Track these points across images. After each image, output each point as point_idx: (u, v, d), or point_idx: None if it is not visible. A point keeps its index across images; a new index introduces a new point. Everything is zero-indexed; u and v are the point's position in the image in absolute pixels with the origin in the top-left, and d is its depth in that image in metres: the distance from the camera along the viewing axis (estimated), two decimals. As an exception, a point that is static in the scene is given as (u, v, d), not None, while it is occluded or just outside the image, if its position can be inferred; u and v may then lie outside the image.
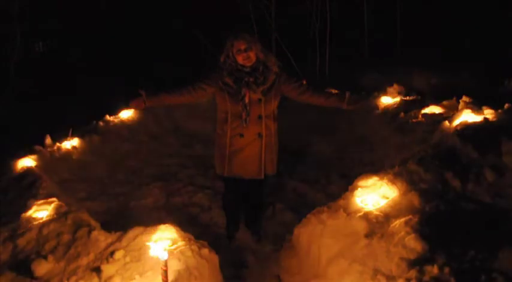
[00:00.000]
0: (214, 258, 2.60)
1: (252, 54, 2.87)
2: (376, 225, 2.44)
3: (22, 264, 2.54)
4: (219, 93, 3.00)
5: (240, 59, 2.88)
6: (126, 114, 6.15)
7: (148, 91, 2.98)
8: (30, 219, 3.01)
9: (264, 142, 3.02)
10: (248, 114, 2.93)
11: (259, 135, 3.00)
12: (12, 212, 3.15)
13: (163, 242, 2.54)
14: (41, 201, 3.22)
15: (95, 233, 2.72)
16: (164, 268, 2.14)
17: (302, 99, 3.09)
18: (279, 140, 3.17)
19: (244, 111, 2.93)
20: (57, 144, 4.76)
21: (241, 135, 2.98)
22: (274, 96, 3.00)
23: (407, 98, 5.79)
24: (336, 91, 6.84)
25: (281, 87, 3.01)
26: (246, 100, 2.91)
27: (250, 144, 3.01)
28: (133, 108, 2.90)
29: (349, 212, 2.62)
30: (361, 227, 2.47)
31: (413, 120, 4.82)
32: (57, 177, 4.21)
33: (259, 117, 2.97)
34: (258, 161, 3.03)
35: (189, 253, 2.43)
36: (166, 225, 2.66)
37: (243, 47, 2.84)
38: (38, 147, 4.52)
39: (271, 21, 9.53)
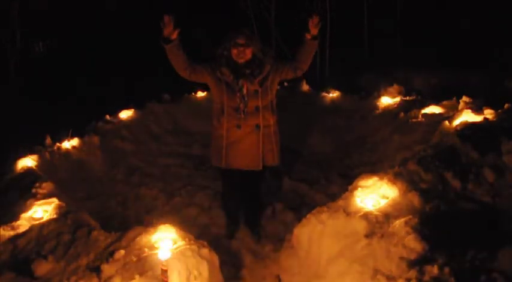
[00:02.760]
0: (214, 258, 2.60)
1: (248, 52, 2.89)
2: (376, 225, 2.44)
3: (22, 264, 2.53)
4: (216, 85, 3.00)
5: (234, 53, 2.89)
6: (126, 114, 6.15)
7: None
8: (30, 219, 3.01)
9: (262, 133, 3.02)
10: (246, 106, 2.93)
11: (257, 126, 3.00)
12: (12, 212, 3.15)
13: (163, 242, 2.54)
14: (41, 201, 3.22)
15: (95, 233, 2.72)
16: (164, 268, 2.14)
17: (299, 72, 3.09)
18: (280, 131, 3.17)
19: (242, 103, 2.93)
20: (57, 144, 4.76)
21: (238, 127, 2.98)
22: (271, 86, 3.01)
23: (407, 98, 5.80)
24: (335, 91, 6.85)
25: (277, 76, 3.03)
26: (244, 91, 2.91)
27: (248, 136, 3.00)
28: (165, 21, 2.76)
29: (349, 212, 2.62)
30: (361, 227, 2.47)
31: (413, 120, 4.82)
32: (57, 177, 4.21)
33: (257, 108, 2.97)
34: (256, 152, 3.03)
35: (189, 253, 2.43)
36: (166, 225, 2.66)
37: (240, 42, 2.86)
38: (38, 147, 4.52)
39: (271, 21, 9.53)
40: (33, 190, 3.45)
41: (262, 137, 3.03)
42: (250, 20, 9.83)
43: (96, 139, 5.19)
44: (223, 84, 2.95)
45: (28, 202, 3.23)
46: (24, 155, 4.27)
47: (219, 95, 3.01)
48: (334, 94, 6.76)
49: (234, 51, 2.89)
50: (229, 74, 2.92)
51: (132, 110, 6.26)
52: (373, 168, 3.97)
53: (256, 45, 2.93)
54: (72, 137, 4.99)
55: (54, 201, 3.22)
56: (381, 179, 2.88)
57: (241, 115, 2.95)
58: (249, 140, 3.01)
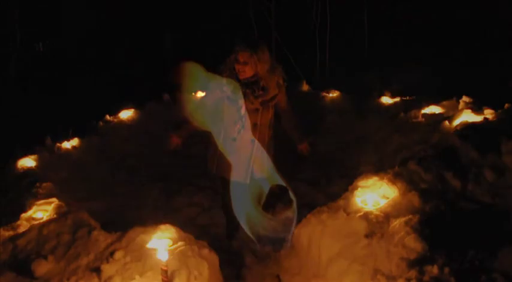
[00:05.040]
0: (214, 258, 2.60)
1: (247, 69, 2.83)
2: (376, 225, 2.44)
3: (22, 264, 2.53)
4: (218, 99, 2.99)
5: (236, 68, 2.87)
6: (126, 114, 6.15)
7: (176, 131, 3.19)
8: (30, 219, 3.02)
9: (256, 148, 3.01)
10: (243, 126, 2.93)
11: (252, 141, 2.99)
12: (12, 212, 3.15)
13: (163, 242, 2.54)
14: (41, 201, 3.22)
15: (95, 233, 2.72)
16: (164, 268, 2.14)
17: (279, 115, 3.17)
18: (275, 145, 3.19)
19: (239, 122, 2.92)
20: (57, 144, 4.76)
21: (234, 140, 2.98)
22: (272, 107, 3.02)
23: (407, 98, 5.80)
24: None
25: (278, 98, 3.02)
26: (242, 112, 2.90)
27: (241, 149, 2.99)
28: (173, 148, 3.27)
29: (349, 212, 2.62)
30: (361, 227, 2.47)
31: (413, 120, 4.83)
32: (57, 177, 4.21)
33: (255, 125, 2.97)
34: (246, 166, 3.01)
35: (189, 253, 2.43)
36: (166, 225, 2.66)
37: (241, 60, 2.82)
38: (38, 147, 4.52)
39: (271, 21, 9.52)
40: (33, 190, 3.45)
41: (255, 151, 3.02)
42: (250, 21, 9.82)
43: (96, 139, 5.19)
44: (225, 99, 2.94)
45: (28, 202, 3.24)
46: (24, 155, 4.27)
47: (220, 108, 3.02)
48: (334, 94, 6.76)
49: (236, 67, 2.86)
50: (231, 93, 2.89)
51: (132, 110, 6.26)
52: (373, 168, 3.97)
53: (261, 66, 2.85)
54: (72, 137, 4.99)
55: (54, 201, 3.22)
56: (381, 179, 2.88)
57: (237, 133, 2.94)
58: (241, 154, 2.99)
